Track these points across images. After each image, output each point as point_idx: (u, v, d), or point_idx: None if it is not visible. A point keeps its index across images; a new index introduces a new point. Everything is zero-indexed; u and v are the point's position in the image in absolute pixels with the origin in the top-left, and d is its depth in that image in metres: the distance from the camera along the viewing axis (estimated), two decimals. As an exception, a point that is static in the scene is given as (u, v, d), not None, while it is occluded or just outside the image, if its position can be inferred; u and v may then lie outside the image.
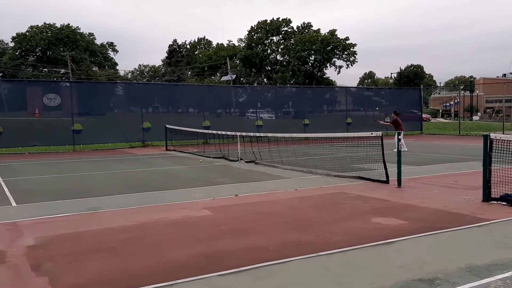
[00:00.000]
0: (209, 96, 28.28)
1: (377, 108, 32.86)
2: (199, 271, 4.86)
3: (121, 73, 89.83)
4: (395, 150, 14.62)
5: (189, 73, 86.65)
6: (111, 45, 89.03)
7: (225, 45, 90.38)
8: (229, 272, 4.82)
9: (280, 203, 8.62)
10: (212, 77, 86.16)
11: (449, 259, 5.15)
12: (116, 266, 5.13)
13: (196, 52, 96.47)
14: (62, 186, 11.19)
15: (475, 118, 64.21)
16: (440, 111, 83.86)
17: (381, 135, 10.49)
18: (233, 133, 16.78)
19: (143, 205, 8.51)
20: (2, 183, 11.48)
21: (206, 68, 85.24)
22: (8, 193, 9.98)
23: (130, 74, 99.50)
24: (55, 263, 5.21)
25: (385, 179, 10.35)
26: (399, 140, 10.70)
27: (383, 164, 10.48)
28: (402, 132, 17.88)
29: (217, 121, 26.96)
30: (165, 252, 5.59)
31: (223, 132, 17.59)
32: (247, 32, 78.09)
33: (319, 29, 72.90)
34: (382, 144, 10.45)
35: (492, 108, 71.26)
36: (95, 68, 78.72)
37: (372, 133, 10.64)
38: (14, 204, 8.88)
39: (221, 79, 65.03)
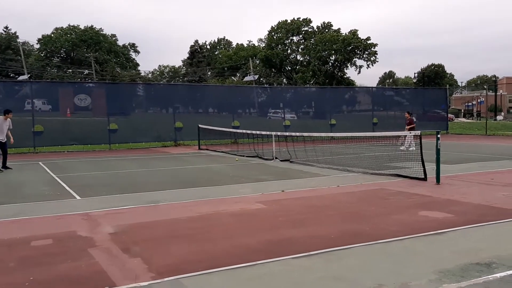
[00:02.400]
0: (237, 96, 28.97)
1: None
2: (273, 254, 5.41)
3: (141, 73, 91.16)
4: (411, 149, 15.05)
5: (209, 73, 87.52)
6: (133, 46, 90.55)
7: (245, 45, 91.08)
8: (301, 255, 5.37)
9: (327, 197, 9.14)
10: (232, 77, 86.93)
11: (500, 247, 5.61)
12: (197, 249, 5.72)
13: (216, 53, 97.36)
14: (115, 181, 11.89)
15: (498, 118, 63.65)
16: (462, 111, 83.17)
17: (420, 134, 10.92)
18: (268, 132, 17.32)
19: (198, 199, 9.11)
20: (58, 179, 12.23)
21: (226, 69, 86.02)
22: (68, 188, 10.69)
23: (150, 74, 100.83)
24: (141, 247, 5.82)
25: (422, 177, 10.78)
26: (412, 139, 11.05)
27: (421, 162, 10.91)
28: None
29: (245, 121, 27.56)
30: (236, 239, 6.16)
31: (258, 132, 18.15)
32: (267, 32, 78.81)
33: (339, 29, 73.17)
34: (420, 143, 10.89)
35: (516, 108, 70.52)
36: (117, 69, 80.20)
37: (410, 132, 11.05)
38: (78, 197, 9.57)
39: (244, 79, 65.69)
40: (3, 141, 14.40)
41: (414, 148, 17.53)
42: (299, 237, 6.21)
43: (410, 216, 7.32)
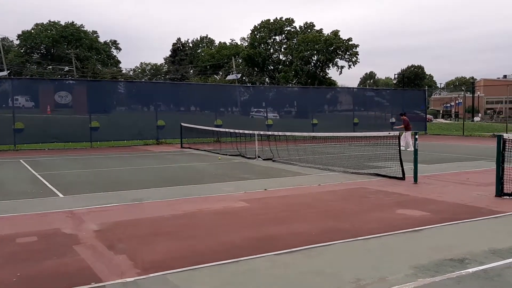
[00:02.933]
0: (220, 95, 29.07)
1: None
2: (256, 250, 5.58)
3: (123, 71, 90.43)
4: (409, 149, 15.38)
5: (191, 71, 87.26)
6: (114, 43, 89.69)
7: (228, 44, 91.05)
8: (284, 252, 5.54)
9: (309, 196, 9.34)
10: (215, 76, 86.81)
11: (473, 243, 5.87)
12: (181, 246, 5.84)
13: (199, 51, 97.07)
14: (98, 179, 11.91)
15: (476, 119, 65.00)
16: (441, 111, 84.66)
17: (398, 134, 11.21)
18: (251, 131, 17.47)
19: (182, 197, 9.22)
20: (40, 177, 12.18)
21: (208, 67, 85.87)
22: (50, 186, 10.67)
23: (132, 72, 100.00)
24: (126, 244, 5.92)
25: (401, 176, 11.07)
26: (414, 139, 11.28)
27: (399, 162, 11.21)
28: (410, 132, 18.79)
29: (228, 119, 27.67)
30: (221, 236, 6.31)
31: (241, 131, 18.28)
32: (250, 31, 78.87)
33: (321, 29, 73.66)
34: (399, 143, 11.19)
35: (493, 109, 72.16)
36: (99, 66, 79.39)
37: (390, 133, 11.35)
38: (61, 195, 9.57)
39: (226, 78, 65.69)
40: None
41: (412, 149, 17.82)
42: (282, 234, 6.38)
43: (388, 214, 7.56)
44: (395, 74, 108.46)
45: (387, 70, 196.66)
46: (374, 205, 8.35)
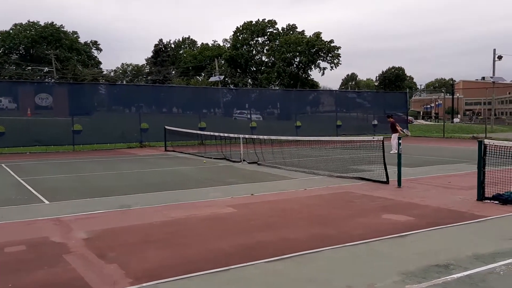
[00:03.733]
0: (203, 97, 29.14)
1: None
2: (247, 258, 5.64)
3: (104, 72, 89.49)
4: (392, 152, 15.61)
5: (173, 72, 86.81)
6: (95, 43, 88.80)
7: (210, 45, 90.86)
8: (274, 259, 5.61)
9: (295, 201, 9.44)
10: (197, 77, 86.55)
11: (457, 248, 6.04)
12: (172, 254, 5.88)
13: (181, 52, 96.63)
14: (82, 185, 11.83)
15: (455, 120, 66.16)
16: (421, 113, 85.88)
17: (382, 139, 11.41)
18: (236, 135, 17.52)
19: (169, 203, 9.23)
20: (23, 182, 12.04)
21: (190, 68, 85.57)
22: (34, 192, 10.57)
23: (112, 73, 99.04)
24: (117, 253, 5.92)
25: (385, 180, 11.25)
26: (399, 143, 11.42)
27: (383, 166, 11.39)
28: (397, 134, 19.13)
29: (211, 121, 27.69)
30: (211, 243, 6.35)
31: (226, 134, 18.32)
32: (233, 33, 78.90)
33: (303, 31, 74.10)
34: (383, 147, 11.39)
35: (472, 110, 73.54)
36: (79, 67, 78.40)
37: (374, 137, 11.53)
38: (46, 202, 9.49)
39: (209, 80, 65.54)
40: None
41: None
42: (271, 240, 6.46)
43: (374, 219, 7.70)
44: (376, 76, 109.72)
45: (368, 72, 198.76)
46: (360, 210, 8.49)
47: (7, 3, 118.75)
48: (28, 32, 77.96)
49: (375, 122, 32.95)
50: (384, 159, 11.48)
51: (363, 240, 6.39)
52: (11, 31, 77.42)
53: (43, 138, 21.98)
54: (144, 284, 4.79)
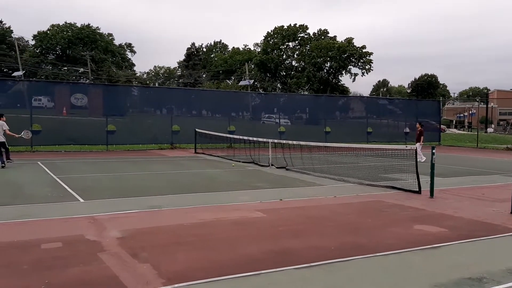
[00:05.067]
0: (233, 101, 29.37)
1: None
2: (276, 264, 5.67)
3: (137, 74, 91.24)
4: (422, 160, 15.35)
5: (204, 76, 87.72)
6: (129, 46, 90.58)
7: (241, 49, 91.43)
8: (303, 266, 5.63)
9: (325, 208, 9.42)
10: (227, 80, 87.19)
11: (491, 262, 5.92)
12: (202, 257, 5.96)
13: (212, 55, 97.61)
14: (116, 184, 12.11)
15: (489, 130, 64.45)
16: (454, 121, 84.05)
17: (415, 148, 11.25)
18: (265, 139, 17.59)
19: (198, 205, 9.35)
20: (59, 180, 12.40)
21: (221, 72, 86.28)
22: (70, 190, 10.87)
23: (145, 75, 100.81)
24: (149, 253, 6.05)
25: (417, 190, 11.10)
26: (432, 152, 11.24)
27: (416, 175, 11.24)
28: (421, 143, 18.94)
29: (239, 125, 27.87)
30: (240, 247, 6.41)
31: (255, 139, 18.41)
32: (263, 37, 79.16)
33: (335, 36, 73.74)
34: (416, 156, 11.24)
35: (506, 120, 71.53)
36: (113, 69, 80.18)
37: (406, 146, 11.38)
38: (81, 200, 9.76)
39: (239, 84, 65.95)
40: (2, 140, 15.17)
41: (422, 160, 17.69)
42: (300, 247, 6.46)
43: (405, 229, 7.62)
44: (408, 83, 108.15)
45: (400, 78, 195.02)
46: (391, 219, 8.41)
47: (45, 4, 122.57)
48: (65, 33, 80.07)
49: (407, 130, 32.47)
50: (416, 168, 11.33)
51: (394, 251, 6.33)
52: (48, 32, 79.69)
53: (78, 137, 22.58)
54: (176, 285, 4.88)
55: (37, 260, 5.71)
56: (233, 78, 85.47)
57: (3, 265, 5.46)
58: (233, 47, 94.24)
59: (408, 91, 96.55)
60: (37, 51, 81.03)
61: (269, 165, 16.56)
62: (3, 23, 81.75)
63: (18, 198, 9.83)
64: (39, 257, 5.81)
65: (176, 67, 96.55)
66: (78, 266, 5.47)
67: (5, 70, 73.38)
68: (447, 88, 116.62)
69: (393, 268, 5.67)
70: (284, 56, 78.59)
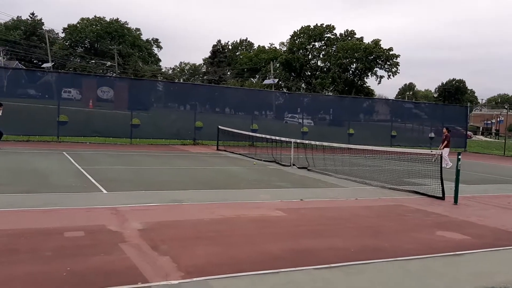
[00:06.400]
0: (256, 99, 29.39)
1: None
2: (295, 263, 5.64)
3: (163, 69, 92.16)
4: (448, 166, 15.09)
5: (229, 73, 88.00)
6: (156, 41, 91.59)
7: (267, 48, 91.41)
8: (323, 266, 5.59)
9: (345, 210, 9.33)
10: (251, 79, 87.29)
11: (516, 272, 5.77)
12: (221, 252, 5.97)
13: (237, 53, 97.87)
14: (138, 177, 12.24)
15: (517, 138, 62.90)
16: (481, 128, 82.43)
17: (441, 153, 11.06)
18: (287, 139, 17.54)
19: (219, 201, 9.39)
20: (83, 171, 12.62)
21: (245, 70, 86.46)
22: (93, 181, 11.05)
23: (171, 70, 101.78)
24: (169, 246, 6.09)
25: (440, 196, 10.91)
26: (458, 158, 11.05)
27: (440, 181, 11.04)
28: (448, 149, 18.60)
29: (262, 123, 27.89)
30: (259, 245, 6.40)
31: (278, 138, 18.38)
32: (290, 37, 78.99)
33: (362, 37, 73.03)
34: (441, 162, 11.03)
35: (536, 129, 69.59)
36: (140, 63, 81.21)
37: (432, 151, 11.19)
38: (104, 191, 9.91)
39: (263, 82, 65.98)
40: None
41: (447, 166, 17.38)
42: (320, 248, 6.42)
43: (427, 235, 7.49)
44: (435, 88, 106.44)
45: (427, 82, 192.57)
46: (413, 224, 8.28)
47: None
48: (94, 26, 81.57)
49: (432, 135, 31.96)
50: (441, 173, 11.13)
51: (416, 256, 6.23)
52: (78, 25, 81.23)
53: (103, 130, 22.94)
54: (195, 279, 4.91)
55: (60, 247, 5.81)
56: (257, 77, 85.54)
57: (28, 251, 5.58)
58: (259, 46, 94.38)
59: (435, 95, 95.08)
60: (67, 43, 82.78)
61: (290, 165, 16.51)
62: (35, 15, 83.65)
63: (44, 187, 10.04)
64: (62, 245, 5.92)
65: (201, 64, 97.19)
66: (100, 255, 5.55)
67: (35, 61, 75.09)
68: (475, 94, 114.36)
69: (414, 273, 5.58)
70: (310, 56, 78.27)
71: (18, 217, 7.30)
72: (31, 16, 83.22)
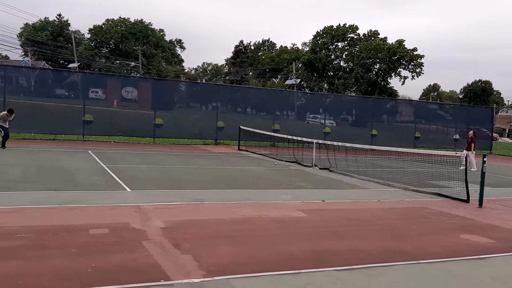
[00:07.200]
0: (278, 100, 29.36)
1: None
2: (316, 264, 5.65)
3: (185, 70, 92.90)
4: (473, 169, 14.83)
5: (251, 73, 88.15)
6: (179, 42, 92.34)
7: (289, 48, 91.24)
8: (344, 268, 5.58)
9: (367, 212, 9.27)
10: (273, 79, 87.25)
11: (542, 278, 5.65)
12: (242, 252, 6.02)
13: (260, 54, 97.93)
14: (161, 176, 12.40)
15: (545, 141, 61.35)
16: (507, 130, 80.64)
17: (466, 155, 10.88)
18: (309, 139, 17.50)
19: (240, 201, 9.45)
20: (107, 169, 12.84)
21: (267, 70, 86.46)
22: (118, 179, 11.24)
23: (193, 71, 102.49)
24: (191, 244, 6.17)
25: (465, 198, 10.73)
26: (484, 161, 10.86)
27: (464, 183, 10.87)
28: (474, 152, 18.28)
29: (284, 124, 27.85)
30: (280, 245, 6.43)
31: (300, 138, 18.35)
32: (312, 37, 78.68)
33: (385, 38, 72.25)
34: (466, 164, 10.86)
35: None
36: (163, 64, 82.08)
37: (456, 153, 11.04)
38: (128, 189, 10.07)
39: (285, 83, 65.89)
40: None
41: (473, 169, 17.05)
42: (341, 249, 6.41)
43: (451, 238, 7.39)
44: (461, 89, 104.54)
45: (452, 83, 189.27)
46: (436, 227, 8.18)
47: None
48: (118, 27, 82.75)
49: (457, 136, 31.43)
50: (466, 176, 10.96)
51: (439, 259, 6.16)
52: (103, 26, 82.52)
53: (127, 129, 23.26)
54: (216, 278, 4.96)
55: (85, 244, 5.94)
56: (279, 77, 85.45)
57: (54, 247, 5.73)
58: (281, 46, 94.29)
59: (460, 96, 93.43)
60: (92, 44, 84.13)
61: (312, 166, 16.46)
62: (61, 16, 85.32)
63: (69, 185, 10.26)
64: (87, 242, 6.05)
65: (223, 64, 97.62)
66: (123, 253, 5.65)
67: (61, 61, 76.61)
68: (501, 96, 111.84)
69: (437, 276, 5.52)
70: (333, 56, 77.80)
71: (45, 214, 7.49)
72: (58, 17, 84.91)
